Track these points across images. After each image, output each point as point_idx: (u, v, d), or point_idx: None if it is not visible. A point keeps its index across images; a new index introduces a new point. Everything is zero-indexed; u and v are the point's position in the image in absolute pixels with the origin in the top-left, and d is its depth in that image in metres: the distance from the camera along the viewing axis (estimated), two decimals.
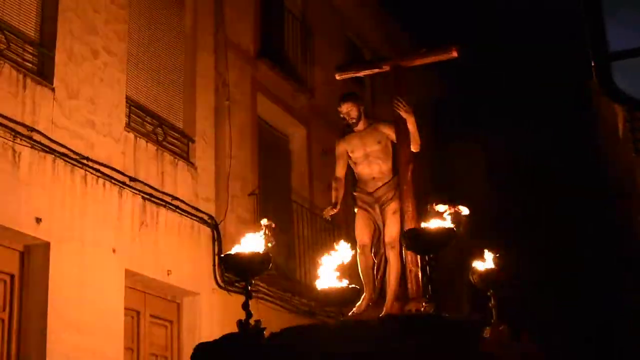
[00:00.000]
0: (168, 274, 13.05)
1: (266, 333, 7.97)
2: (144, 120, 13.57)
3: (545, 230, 26.94)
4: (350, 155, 9.70)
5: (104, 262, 11.86)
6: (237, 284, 14.52)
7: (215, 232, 14.31)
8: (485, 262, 9.16)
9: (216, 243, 14.31)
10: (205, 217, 14.17)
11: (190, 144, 14.36)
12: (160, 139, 13.73)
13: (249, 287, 7.95)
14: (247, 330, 7.80)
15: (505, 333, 8.80)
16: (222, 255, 8.11)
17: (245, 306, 7.84)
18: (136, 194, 12.75)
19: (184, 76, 14.64)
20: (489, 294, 9.11)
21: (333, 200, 9.66)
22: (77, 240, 11.46)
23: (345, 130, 9.86)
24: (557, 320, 24.10)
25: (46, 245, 11.01)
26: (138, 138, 13.09)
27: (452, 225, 8.13)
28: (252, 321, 7.85)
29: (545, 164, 28.23)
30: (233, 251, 7.94)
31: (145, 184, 12.95)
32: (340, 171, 9.79)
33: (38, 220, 10.87)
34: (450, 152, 24.96)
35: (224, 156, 14.94)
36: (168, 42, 14.52)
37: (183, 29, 14.89)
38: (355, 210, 9.61)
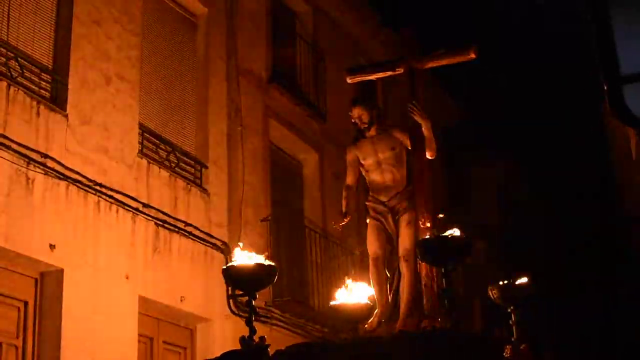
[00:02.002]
0: (181, 301, 13.03)
1: (271, 350, 7.59)
2: (156, 146, 13.59)
3: (558, 253, 26.90)
4: (362, 162, 9.22)
5: (117, 289, 11.86)
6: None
7: (228, 258, 14.27)
8: (506, 279, 8.82)
9: None
10: (219, 243, 14.15)
11: (203, 170, 14.37)
12: (172, 165, 13.74)
13: (252, 302, 7.47)
14: (250, 347, 7.40)
15: (526, 352, 8.42)
16: (225, 267, 7.63)
17: (249, 322, 7.45)
18: (149, 220, 12.75)
19: (197, 102, 14.68)
20: (509, 310, 8.73)
21: (343, 210, 9.24)
22: (91, 267, 11.46)
23: (357, 135, 9.39)
24: (569, 341, 24.01)
25: (60, 272, 11.02)
26: (151, 164, 13.11)
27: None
28: (256, 338, 7.46)
29: (559, 187, 28.22)
30: (236, 263, 7.53)
31: (158, 210, 12.95)
32: (351, 179, 9.35)
33: (52, 246, 10.89)
34: (465, 177, 24.95)
35: (236, 182, 14.94)
36: (180, 68, 14.58)
37: (195, 56, 14.94)
38: (368, 220, 9.09)
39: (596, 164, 25.96)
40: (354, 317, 8.49)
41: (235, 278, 7.56)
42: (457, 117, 24.50)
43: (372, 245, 9.00)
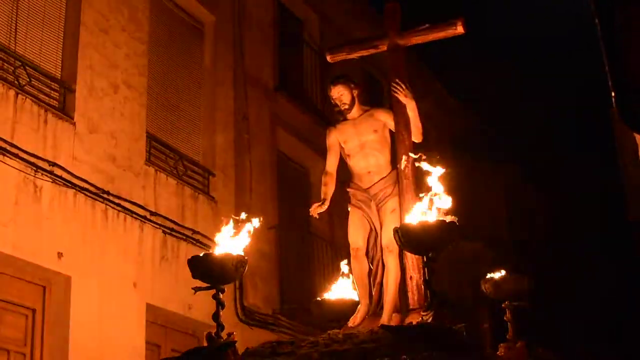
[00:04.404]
0: (189, 308, 13.02)
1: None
2: (164, 154, 13.60)
3: (564, 260, 26.83)
4: (343, 146, 8.62)
5: (125, 297, 11.85)
6: (257, 318, 14.49)
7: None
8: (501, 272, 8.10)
9: None
10: None
11: (210, 178, 14.37)
12: (180, 173, 13.75)
13: (220, 296, 7.02)
14: (216, 344, 6.95)
15: (523, 351, 7.79)
16: (190, 259, 7.12)
17: (215, 317, 7.03)
18: (157, 228, 12.76)
19: (204, 110, 14.69)
20: (504, 305, 8.06)
21: (322, 197, 8.66)
22: (98, 275, 11.46)
23: (338, 117, 8.77)
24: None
25: (67, 280, 11.02)
26: (158, 172, 13.11)
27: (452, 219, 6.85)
28: (224, 334, 7.02)
29: (566, 193, 28.16)
30: (202, 254, 7.11)
31: (166, 218, 12.96)
32: (331, 164, 8.78)
33: (59, 254, 10.89)
34: (472, 181, 24.89)
35: (244, 190, 14.94)
36: (188, 76, 14.59)
37: (203, 64, 14.95)
38: (349, 208, 8.51)
39: (604, 170, 25.93)
40: (339, 314, 8.04)
41: (200, 270, 7.07)
42: (464, 123, 24.50)
43: (353, 235, 8.42)
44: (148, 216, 12.61)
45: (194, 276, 7.01)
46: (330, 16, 19.23)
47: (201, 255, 7.08)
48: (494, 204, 25.86)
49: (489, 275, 8.14)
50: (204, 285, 7.06)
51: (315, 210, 8.67)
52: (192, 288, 7.10)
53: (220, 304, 7.05)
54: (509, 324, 8.01)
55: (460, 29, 8.42)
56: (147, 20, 13.47)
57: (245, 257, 7.14)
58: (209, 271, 7.04)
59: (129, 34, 12.93)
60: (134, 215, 12.35)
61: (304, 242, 16.74)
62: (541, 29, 27.01)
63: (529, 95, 28.21)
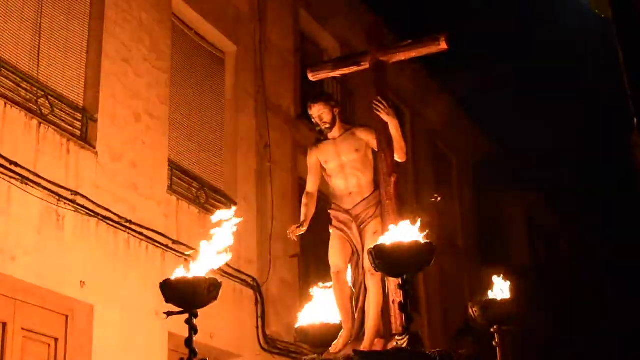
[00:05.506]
0: (211, 337, 12.99)
1: None
2: (186, 182, 13.62)
3: (587, 289, 26.72)
4: (324, 166, 8.43)
5: (147, 325, 11.83)
6: (279, 346, 14.44)
7: (258, 294, 14.24)
8: (491, 293, 7.79)
9: (259, 305, 14.25)
10: (248, 280, 14.11)
11: (232, 206, 14.36)
12: (202, 201, 13.76)
13: (193, 320, 6.71)
14: None
15: None
16: (162, 282, 6.70)
17: (188, 343, 6.76)
18: (179, 256, 12.75)
19: (226, 138, 14.72)
20: (492, 330, 7.69)
21: (302, 218, 8.47)
22: (121, 303, 11.46)
23: (319, 137, 8.58)
24: None
25: (90, 309, 11.03)
26: (180, 200, 13.13)
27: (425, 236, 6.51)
28: None
29: (586, 219, 28.07)
30: (174, 276, 6.70)
31: (188, 247, 12.95)
32: (312, 185, 8.56)
33: (82, 283, 10.90)
34: (493, 209, 24.84)
35: (266, 218, 14.93)
36: (209, 104, 14.63)
37: (224, 92, 14.99)
38: (331, 230, 8.34)
39: (624, 195, 25.85)
40: (323, 339, 7.78)
41: (172, 294, 6.70)
42: (486, 150, 24.47)
43: (334, 257, 8.28)
44: (170, 245, 12.61)
45: (167, 300, 6.70)
46: (351, 44, 19.24)
47: (172, 278, 6.73)
48: (516, 230, 25.78)
49: (476, 299, 7.92)
50: (177, 310, 6.77)
51: (294, 232, 8.48)
52: (164, 313, 6.78)
53: (193, 329, 6.79)
54: (497, 349, 7.68)
55: (443, 45, 8.25)
56: (168, 50, 13.53)
57: (219, 280, 6.81)
58: (181, 295, 6.68)
59: (150, 63, 12.98)
60: (156, 244, 12.35)
61: (326, 270, 16.68)
62: (565, 55, 27.01)
63: (549, 122, 28.18)
